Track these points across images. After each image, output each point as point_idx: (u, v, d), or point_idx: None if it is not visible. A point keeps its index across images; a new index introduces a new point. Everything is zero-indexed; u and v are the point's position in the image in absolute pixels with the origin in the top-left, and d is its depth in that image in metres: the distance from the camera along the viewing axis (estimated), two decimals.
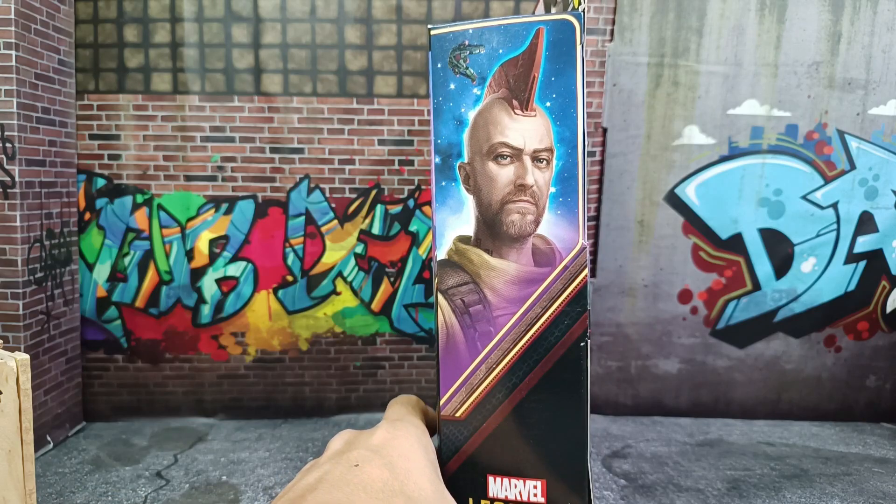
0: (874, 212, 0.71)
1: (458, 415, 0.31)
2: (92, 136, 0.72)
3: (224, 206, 0.71)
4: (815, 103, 0.69)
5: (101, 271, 0.72)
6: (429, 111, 0.50)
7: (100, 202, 0.71)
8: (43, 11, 0.65)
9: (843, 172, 0.70)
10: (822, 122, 0.70)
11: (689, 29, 0.68)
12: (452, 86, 0.28)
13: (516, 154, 0.28)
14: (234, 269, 0.72)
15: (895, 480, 0.51)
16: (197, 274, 0.71)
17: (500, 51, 0.28)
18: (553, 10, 0.46)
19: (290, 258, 0.72)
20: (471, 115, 0.28)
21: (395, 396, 0.50)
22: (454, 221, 0.29)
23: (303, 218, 0.71)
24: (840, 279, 0.71)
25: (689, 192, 0.70)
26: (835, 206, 0.70)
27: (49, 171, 0.67)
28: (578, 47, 0.27)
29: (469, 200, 0.28)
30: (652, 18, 0.67)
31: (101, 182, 0.71)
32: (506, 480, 0.31)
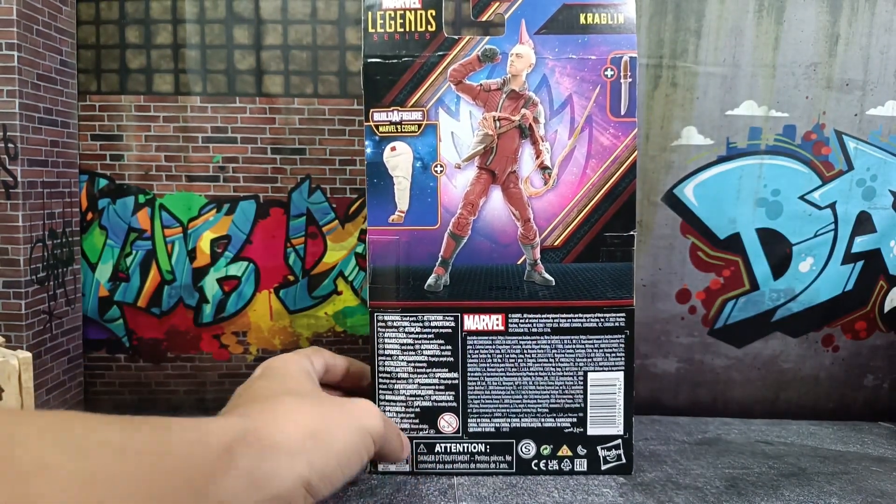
0: (872, 212, 0.71)
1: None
2: (94, 137, 0.72)
3: (226, 207, 0.71)
4: (813, 104, 0.70)
5: (104, 271, 0.72)
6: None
7: (102, 202, 0.72)
8: (45, 12, 0.65)
9: (841, 173, 0.70)
10: (820, 123, 0.70)
11: (688, 30, 0.68)
12: None
13: None
14: (236, 269, 0.72)
15: (893, 479, 0.51)
16: (199, 274, 0.72)
17: None
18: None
19: (292, 258, 0.72)
20: None
21: None
22: None
23: (304, 218, 0.71)
24: (838, 279, 0.72)
25: (688, 193, 0.70)
26: (833, 206, 0.71)
27: (51, 172, 0.67)
28: None
29: None
30: (650, 20, 0.67)
31: (103, 182, 0.72)
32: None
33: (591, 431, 0.48)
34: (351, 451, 0.29)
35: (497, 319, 0.48)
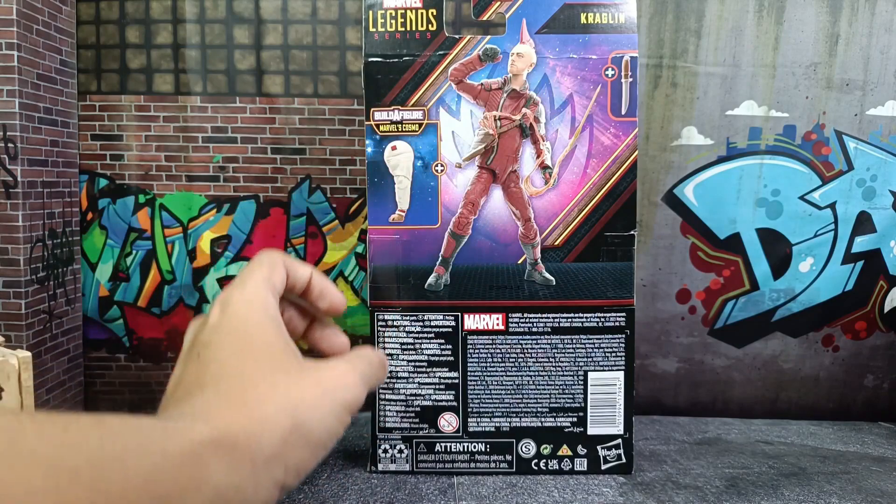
0: (872, 212, 0.71)
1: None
2: (94, 137, 0.72)
3: (226, 207, 0.71)
4: (813, 104, 0.70)
5: (104, 271, 0.72)
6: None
7: (102, 202, 0.72)
8: (45, 12, 0.65)
9: (841, 173, 0.70)
10: (820, 123, 0.70)
11: (688, 30, 0.68)
12: None
13: None
14: (236, 269, 0.72)
15: (893, 479, 0.51)
16: (199, 273, 0.72)
17: None
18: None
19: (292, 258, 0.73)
20: None
21: None
22: None
23: (304, 218, 0.71)
24: (838, 279, 0.72)
25: (688, 193, 0.70)
26: (833, 206, 0.71)
27: (51, 172, 0.67)
28: None
29: None
30: (650, 20, 0.67)
31: (103, 182, 0.72)
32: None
33: (591, 431, 0.48)
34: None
35: (497, 319, 0.48)
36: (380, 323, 0.47)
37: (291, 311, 0.32)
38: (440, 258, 0.48)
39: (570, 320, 0.48)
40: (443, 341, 0.48)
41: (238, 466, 0.20)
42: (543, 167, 0.48)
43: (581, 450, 0.49)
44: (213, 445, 0.19)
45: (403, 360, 0.48)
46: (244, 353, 0.23)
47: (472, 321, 0.48)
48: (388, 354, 0.48)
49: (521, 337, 0.48)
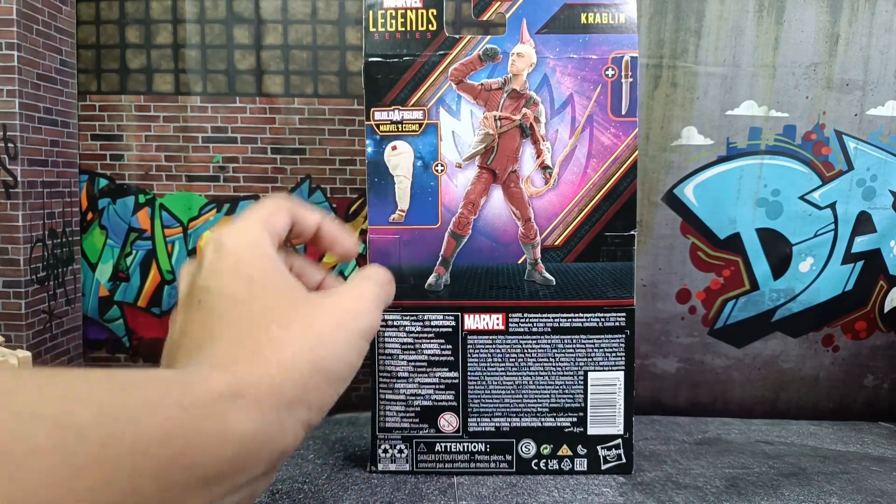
0: (872, 212, 0.71)
1: None
2: (94, 137, 0.72)
3: (226, 207, 0.71)
4: (813, 104, 0.70)
5: (104, 271, 0.72)
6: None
7: (102, 202, 0.72)
8: (45, 12, 0.65)
9: (841, 173, 0.70)
10: (820, 123, 0.70)
11: (688, 30, 0.68)
12: None
13: None
14: None
15: (893, 479, 0.51)
16: None
17: None
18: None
19: None
20: None
21: None
22: None
23: None
24: (838, 279, 0.72)
25: (688, 193, 0.70)
26: (833, 206, 0.71)
27: (51, 172, 0.67)
28: None
29: None
30: (650, 20, 0.67)
31: (103, 182, 0.72)
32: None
33: (591, 431, 0.48)
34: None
35: (497, 319, 0.48)
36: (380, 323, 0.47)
37: (301, 262, 0.31)
38: (440, 258, 0.48)
39: (570, 320, 0.48)
40: (443, 341, 0.48)
41: (262, 415, 0.19)
42: (543, 167, 0.48)
43: (581, 450, 0.49)
44: (234, 396, 0.18)
45: (403, 360, 0.48)
46: (249, 295, 0.22)
47: (472, 321, 0.48)
48: (388, 355, 0.48)
49: (521, 337, 0.48)
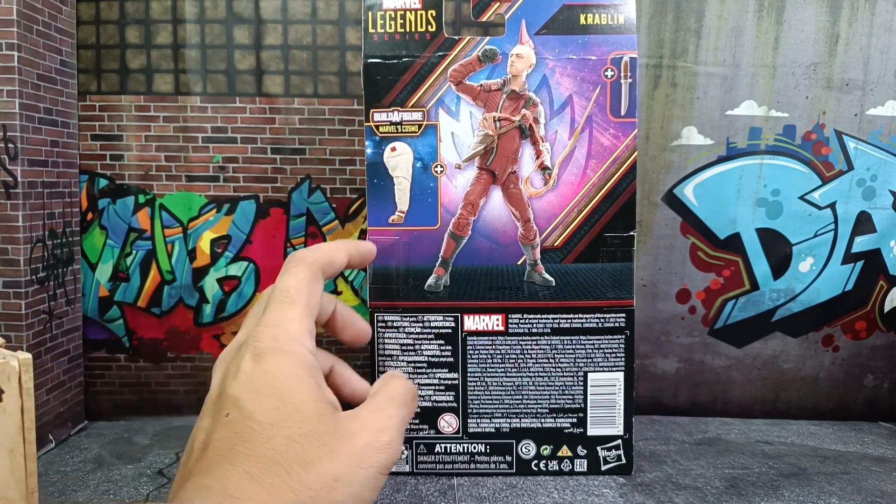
0: (872, 212, 0.71)
1: None
2: (94, 137, 0.72)
3: (226, 207, 0.71)
4: (813, 104, 0.70)
5: (104, 271, 0.72)
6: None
7: (102, 202, 0.72)
8: (45, 13, 0.65)
9: (841, 173, 0.70)
10: (820, 123, 0.70)
11: (688, 30, 0.68)
12: None
13: None
14: (236, 269, 0.72)
15: (893, 479, 0.51)
16: (199, 274, 0.72)
17: None
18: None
19: None
20: None
21: None
22: None
23: (304, 218, 0.71)
24: (838, 279, 0.72)
25: (688, 193, 0.70)
26: (833, 206, 0.71)
27: (51, 172, 0.67)
28: None
29: None
30: (650, 20, 0.67)
31: (103, 182, 0.72)
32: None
33: (591, 432, 0.48)
34: None
35: (497, 320, 0.48)
36: (380, 324, 0.47)
37: (341, 367, 0.29)
38: (440, 259, 0.48)
39: (569, 321, 0.48)
40: (443, 342, 0.48)
41: None
42: (543, 168, 0.48)
43: (581, 451, 0.49)
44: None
45: (403, 361, 0.48)
46: (276, 419, 0.22)
47: (471, 322, 0.48)
48: (387, 355, 0.48)
49: (520, 338, 0.48)
